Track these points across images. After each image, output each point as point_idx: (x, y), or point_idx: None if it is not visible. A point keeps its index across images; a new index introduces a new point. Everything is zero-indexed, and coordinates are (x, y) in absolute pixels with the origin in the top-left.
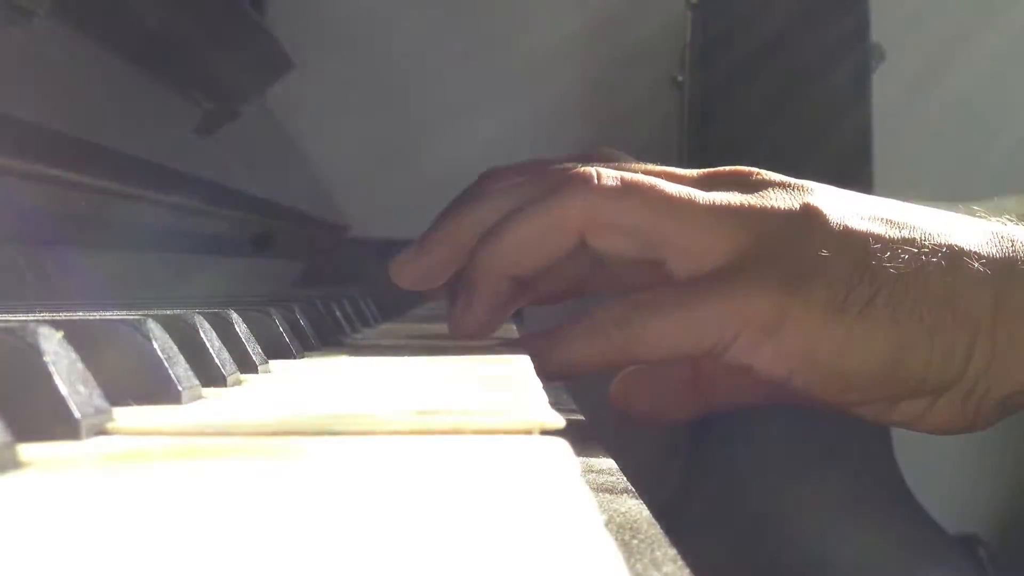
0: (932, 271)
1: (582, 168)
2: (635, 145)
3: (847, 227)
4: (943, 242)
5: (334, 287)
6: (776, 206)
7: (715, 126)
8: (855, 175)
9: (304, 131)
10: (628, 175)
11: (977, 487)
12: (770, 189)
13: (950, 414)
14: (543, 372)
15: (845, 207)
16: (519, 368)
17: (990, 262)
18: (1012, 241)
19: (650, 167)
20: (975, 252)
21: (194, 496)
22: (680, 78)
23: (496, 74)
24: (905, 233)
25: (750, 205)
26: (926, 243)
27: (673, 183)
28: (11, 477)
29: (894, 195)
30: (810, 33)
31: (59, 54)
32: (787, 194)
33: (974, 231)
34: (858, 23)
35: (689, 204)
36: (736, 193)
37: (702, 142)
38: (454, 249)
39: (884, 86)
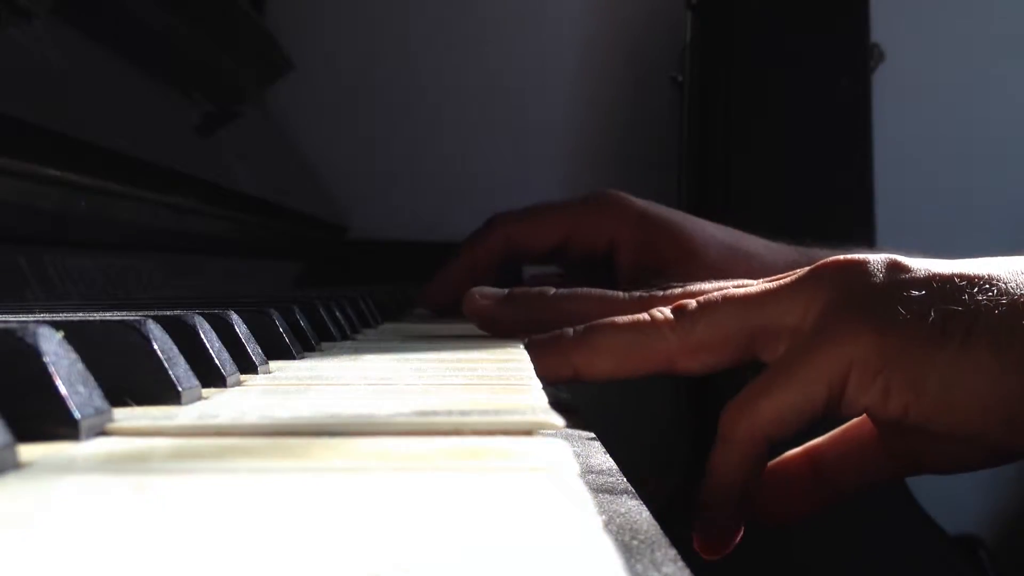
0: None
1: (675, 305)
2: (635, 145)
3: (931, 270)
4: None
5: (334, 287)
6: (851, 259)
7: (715, 126)
8: (854, 175)
9: (304, 131)
10: (706, 298)
11: (977, 487)
12: (829, 260)
13: None
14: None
15: (922, 259)
16: (519, 367)
17: None
18: None
19: (721, 284)
20: None
21: (194, 497)
22: (680, 78)
23: (495, 76)
24: (990, 271)
25: (823, 265)
26: (1013, 278)
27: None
28: (11, 477)
29: (894, 195)
30: (810, 33)
31: (59, 54)
32: (851, 256)
33: None
34: (858, 23)
35: (763, 291)
36: (804, 269)
37: (702, 142)
38: (537, 320)
39: (884, 86)
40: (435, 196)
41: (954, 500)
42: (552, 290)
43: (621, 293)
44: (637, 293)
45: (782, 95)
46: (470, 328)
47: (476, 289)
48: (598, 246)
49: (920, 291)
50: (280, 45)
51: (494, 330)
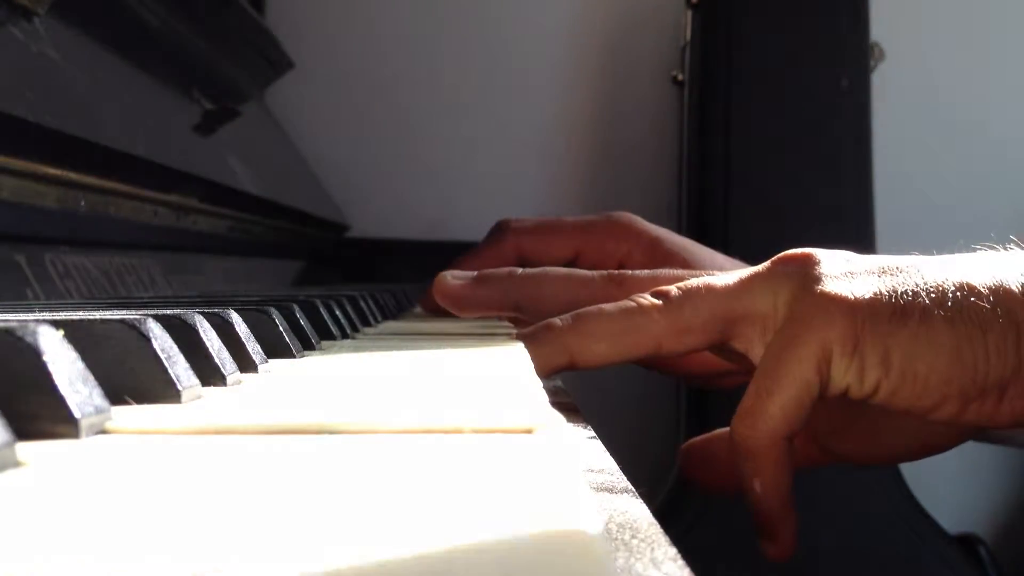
0: (973, 281)
1: (655, 290)
2: (635, 144)
3: (880, 260)
4: (976, 261)
5: (334, 286)
6: (812, 253)
7: (715, 126)
8: (854, 175)
9: (304, 131)
10: (685, 285)
11: (977, 487)
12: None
13: (1017, 408)
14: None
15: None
16: (519, 365)
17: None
18: None
19: (688, 272)
20: (1004, 266)
21: (194, 496)
22: (680, 77)
23: (496, 74)
24: (934, 260)
25: (783, 258)
26: (960, 263)
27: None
28: (10, 476)
29: (893, 194)
30: (810, 33)
31: (59, 54)
32: (806, 249)
33: (995, 255)
34: (858, 23)
35: (738, 281)
36: (768, 262)
37: (702, 141)
38: (507, 300)
39: (884, 86)
40: (435, 196)
41: (954, 499)
42: (520, 270)
43: (588, 272)
44: (606, 272)
45: (782, 95)
46: (470, 327)
47: (447, 272)
48: (608, 266)
49: (877, 276)
50: (280, 45)
51: (463, 309)
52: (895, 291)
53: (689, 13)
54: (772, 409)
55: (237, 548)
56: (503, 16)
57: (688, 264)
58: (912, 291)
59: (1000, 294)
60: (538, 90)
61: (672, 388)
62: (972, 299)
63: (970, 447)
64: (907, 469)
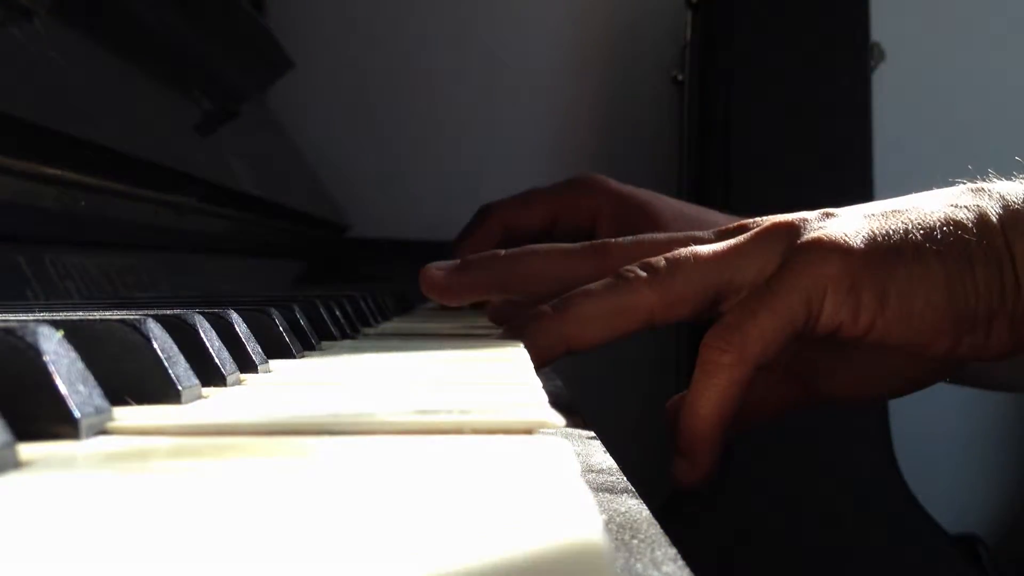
0: (958, 215)
1: (642, 262)
2: (635, 145)
3: (862, 209)
4: (956, 195)
5: (334, 286)
6: (793, 215)
7: (715, 126)
8: (855, 175)
9: (304, 131)
10: (673, 255)
11: (977, 487)
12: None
13: (1003, 339)
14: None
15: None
16: (519, 365)
17: (1004, 211)
18: (1002, 195)
19: (670, 236)
20: (983, 198)
21: (194, 496)
22: (680, 77)
23: (496, 74)
24: (912, 201)
25: (774, 224)
26: (942, 198)
27: (704, 244)
28: (11, 477)
29: (893, 195)
30: (810, 33)
31: (59, 54)
32: (791, 215)
33: (974, 186)
34: (858, 23)
35: (727, 249)
36: (755, 229)
37: (702, 142)
38: (493, 282)
39: (884, 86)
40: (435, 196)
41: (954, 499)
42: (502, 251)
43: (570, 244)
44: (589, 242)
45: (782, 95)
46: (469, 327)
47: (431, 263)
48: (582, 224)
49: (866, 219)
50: (280, 45)
51: (450, 297)
52: (886, 231)
53: (689, 13)
54: (753, 331)
55: (235, 552)
56: (503, 16)
57: (652, 214)
58: (903, 230)
59: (982, 226)
60: (538, 90)
61: (672, 388)
62: (959, 232)
63: (970, 446)
64: (907, 469)
